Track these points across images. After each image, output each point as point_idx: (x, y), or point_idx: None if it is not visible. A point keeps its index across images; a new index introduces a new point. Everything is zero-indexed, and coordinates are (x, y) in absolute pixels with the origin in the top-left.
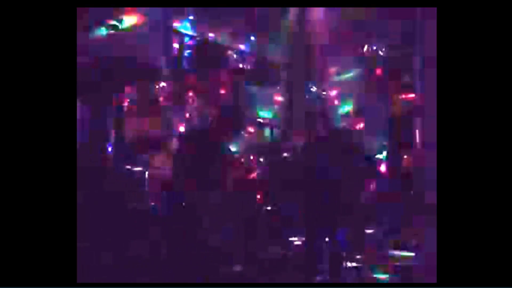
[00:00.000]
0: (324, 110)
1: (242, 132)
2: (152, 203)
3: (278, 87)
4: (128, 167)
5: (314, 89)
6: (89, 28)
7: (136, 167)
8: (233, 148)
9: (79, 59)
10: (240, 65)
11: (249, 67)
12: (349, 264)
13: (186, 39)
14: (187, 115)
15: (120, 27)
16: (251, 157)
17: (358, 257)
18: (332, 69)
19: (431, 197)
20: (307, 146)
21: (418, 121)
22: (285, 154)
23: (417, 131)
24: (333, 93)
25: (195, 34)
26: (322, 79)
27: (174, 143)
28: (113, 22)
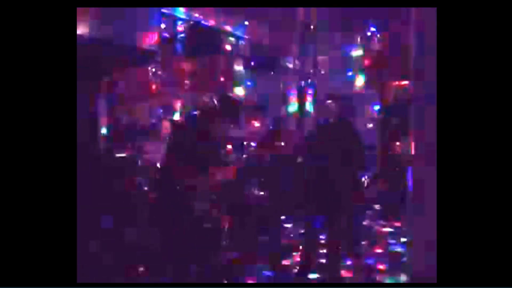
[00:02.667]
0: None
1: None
2: (145, 188)
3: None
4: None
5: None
6: None
7: (128, 153)
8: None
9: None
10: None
11: (243, 52)
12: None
13: (179, 23)
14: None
15: None
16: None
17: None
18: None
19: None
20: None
21: (413, 108)
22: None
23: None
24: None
25: (188, 18)
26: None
27: (167, 129)
28: None
